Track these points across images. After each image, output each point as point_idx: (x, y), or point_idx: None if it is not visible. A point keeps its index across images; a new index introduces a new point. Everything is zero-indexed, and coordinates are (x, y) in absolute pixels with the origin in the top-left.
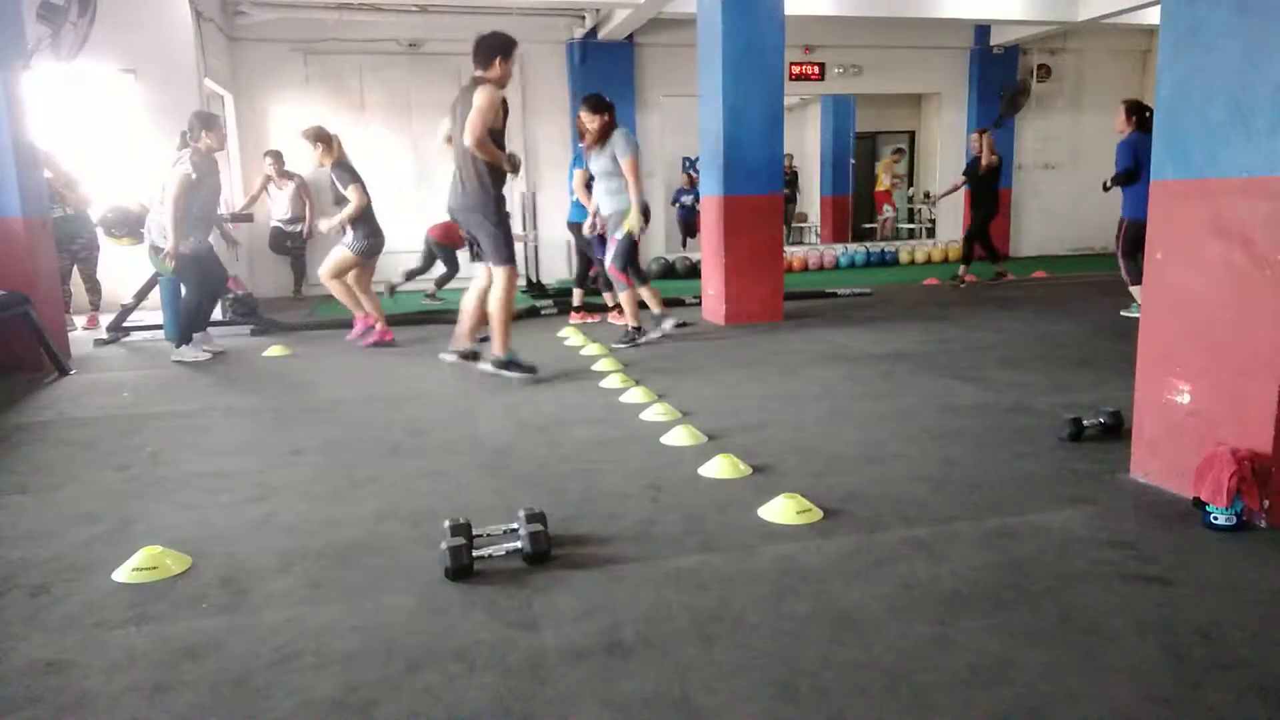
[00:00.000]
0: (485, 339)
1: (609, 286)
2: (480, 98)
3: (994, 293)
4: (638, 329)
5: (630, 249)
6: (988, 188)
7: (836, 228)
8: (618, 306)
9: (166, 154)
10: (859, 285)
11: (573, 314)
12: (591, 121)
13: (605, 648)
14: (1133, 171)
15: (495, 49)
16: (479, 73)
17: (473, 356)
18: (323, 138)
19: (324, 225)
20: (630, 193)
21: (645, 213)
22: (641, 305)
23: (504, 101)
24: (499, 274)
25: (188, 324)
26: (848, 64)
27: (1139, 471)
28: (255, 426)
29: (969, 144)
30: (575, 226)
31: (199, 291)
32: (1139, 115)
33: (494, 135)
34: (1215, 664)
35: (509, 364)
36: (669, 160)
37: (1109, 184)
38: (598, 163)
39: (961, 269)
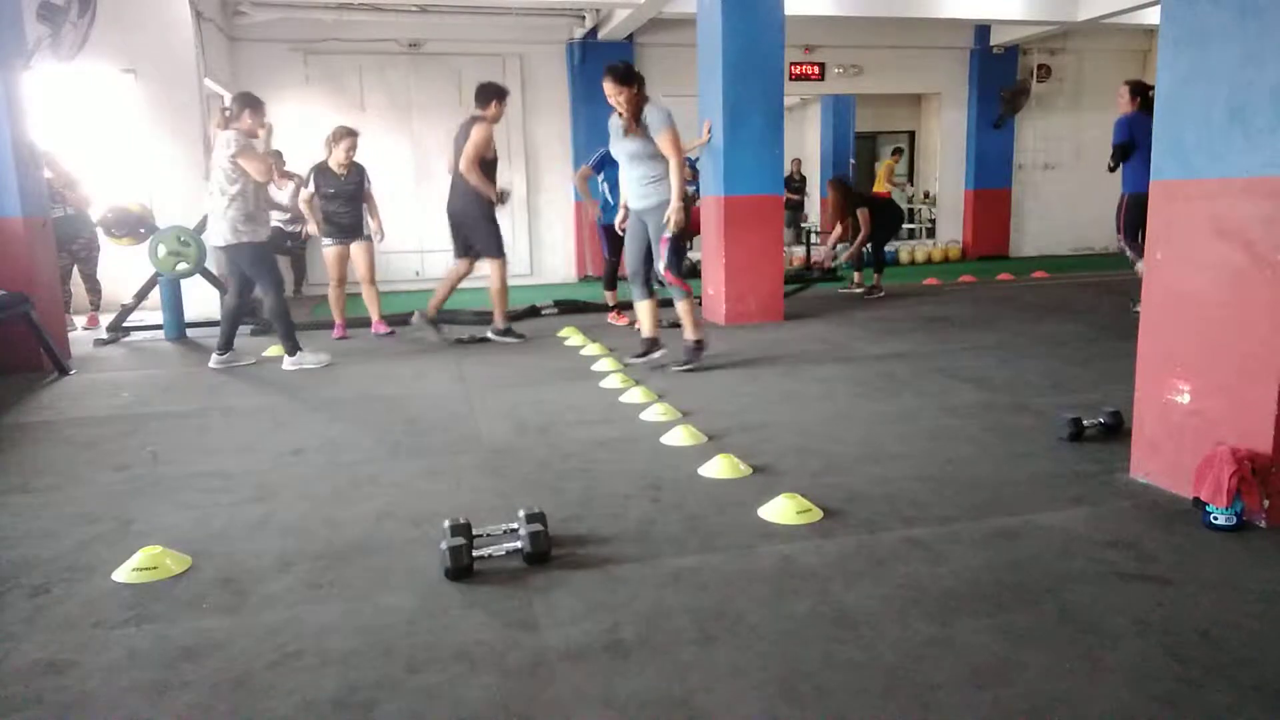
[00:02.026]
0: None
1: (611, 285)
2: (477, 134)
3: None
4: (698, 343)
5: (681, 246)
6: (883, 209)
7: None
8: (617, 308)
9: (171, 152)
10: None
11: (610, 315)
12: (618, 93)
13: (605, 648)
14: (1126, 146)
15: (492, 94)
16: (478, 111)
17: (434, 325)
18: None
19: (378, 237)
20: (672, 176)
21: (689, 201)
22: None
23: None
24: (494, 265)
25: (289, 327)
26: (848, 64)
27: (1139, 471)
28: (255, 426)
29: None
30: (607, 229)
31: (277, 287)
32: (1142, 95)
33: (486, 164)
34: (1215, 664)
35: (506, 332)
36: None
37: (1111, 164)
38: (627, 145)
39: (876, 277)
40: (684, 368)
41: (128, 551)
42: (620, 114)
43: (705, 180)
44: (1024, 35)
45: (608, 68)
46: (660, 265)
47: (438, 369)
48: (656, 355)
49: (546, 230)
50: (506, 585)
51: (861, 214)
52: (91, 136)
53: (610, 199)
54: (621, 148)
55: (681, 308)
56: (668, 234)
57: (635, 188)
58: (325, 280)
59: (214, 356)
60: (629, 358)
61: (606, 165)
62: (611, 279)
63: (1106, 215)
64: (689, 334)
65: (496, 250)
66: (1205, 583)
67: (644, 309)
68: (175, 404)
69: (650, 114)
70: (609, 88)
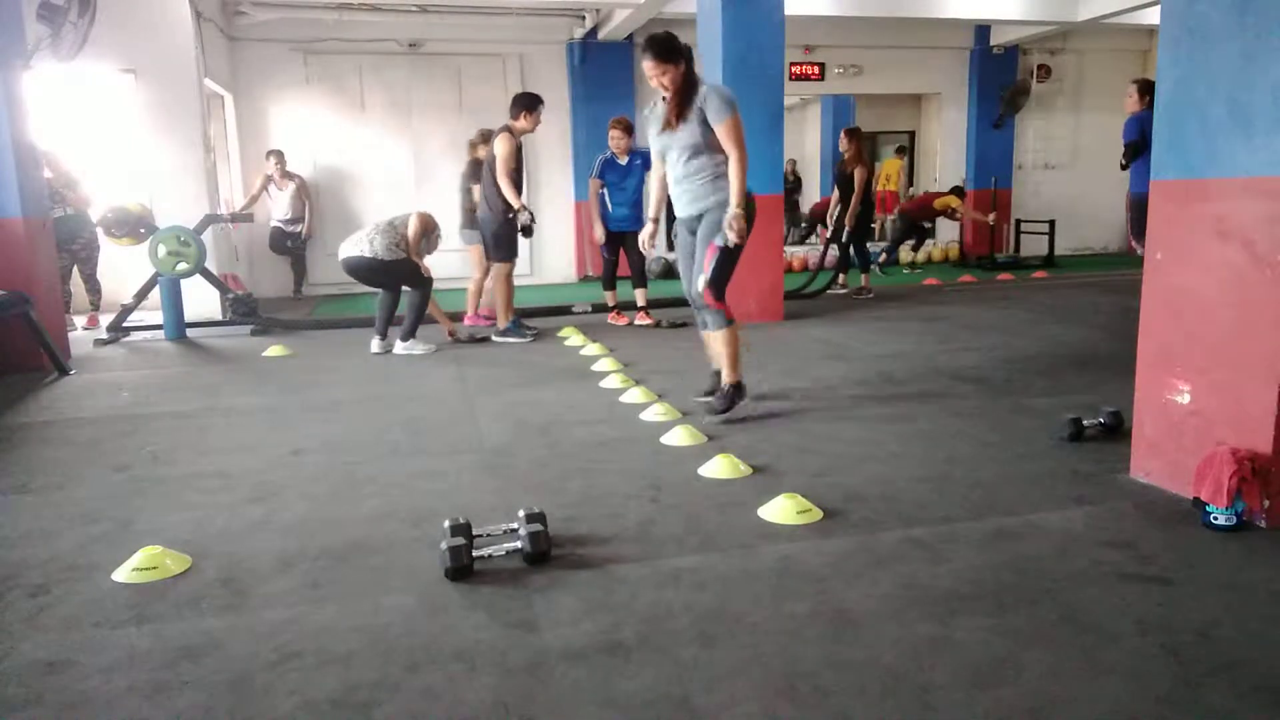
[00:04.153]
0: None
1: (610, 285)
2: (500, 150)
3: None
4: (737, 386)
5: (732, 263)
6: (868, 203)
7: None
8: (617, 308)
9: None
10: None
11: (611, 315)
12: (662, 73)
13: (605, 648)
14: (1138, 144)
15: (522, 104)
16: (509, 121)
17: (520, 327)
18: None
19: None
20: (732, 173)
21: (750, 207)
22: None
23: (519, 147)
24: (498, 268)
25: (419, 317)
26: (848, 64)
27: (1139, 471)
28: (255, 426)
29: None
30: (609, 235)
31: (426, 284)
32: (1150, 93)
33: (514, 172)
34: (1215, 664)
35: (507, 331)
36: None
37: (1124, 162)
38: (679, 137)
39: (864, 277)
40: (720, 416)
41: (128, 551)
42: (663, 98)
43: None
44: (1024, 35)
45: (648, 40)
46: (699, 280)
47: (438, 369)
48: (743, 404)
49: (547, 230)
50: (506, 585)
51: (859, 173)
52: (91, 136)
53: (610, 204)
54: (669, 141)
55: (720, 340)
56: (720, 241)
57: (688, 187)
58: (326, 280)
59: (397, 344)
60: (700, 401)
61: (606, 172)
62: (610, 279)
63: (1106, 215)
64: (727, 375)
65: (501, 254)
66: (1205, 583)
67: (718, 340)
68: (175, 404)
69: (709, 98)
70: (650, 65)
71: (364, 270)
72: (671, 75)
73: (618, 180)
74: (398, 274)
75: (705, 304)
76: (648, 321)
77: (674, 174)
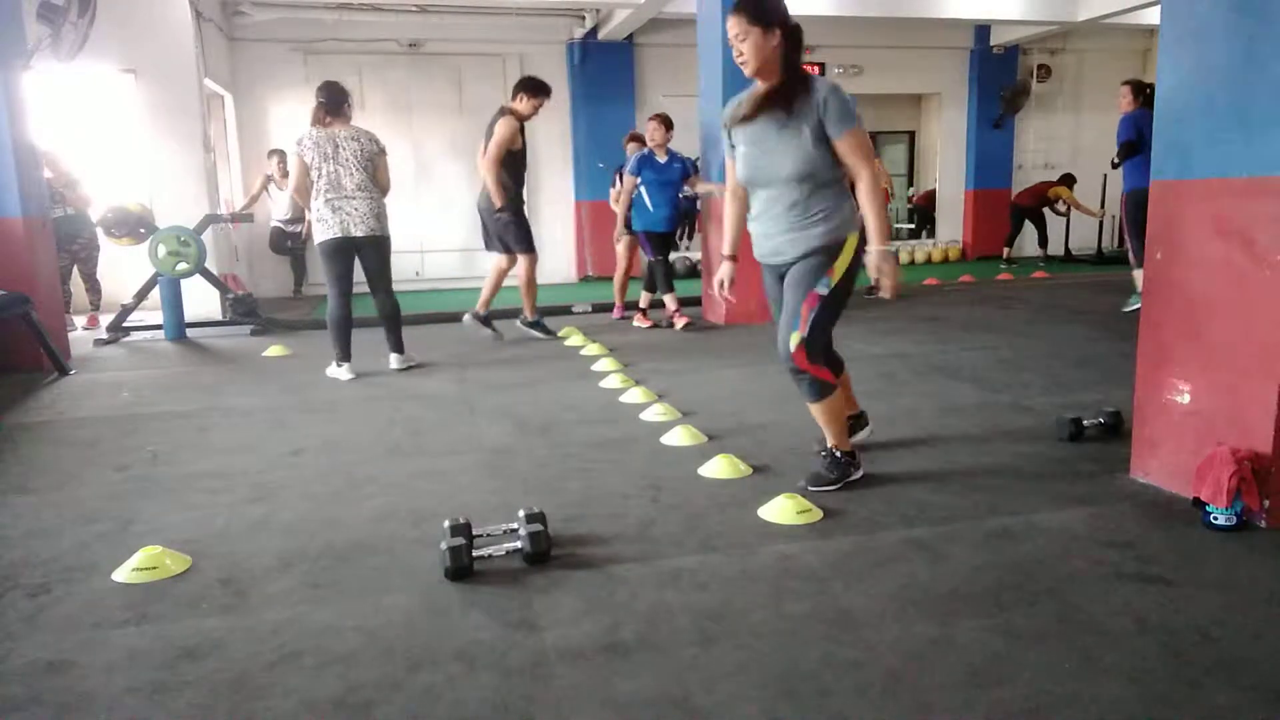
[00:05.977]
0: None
1: (652, 288)
2: (499, 130)
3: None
4: (850, 456)
5: (836, 315)
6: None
7: None
8: (643, 310)
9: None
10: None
11: (639, 316)
12: (743, 36)
13: (605, 648)
14: (1134, 144)
15: (523, 86)
16: (510, 104)
17: (486, 322)
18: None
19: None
20: (868, 203)
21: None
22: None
23: (521, 129)
24: (522, 260)
25: (342, 336)
26: (848, 64)
27: (1139, 471)
28: (255, 426)
29: None
30: (654, 236)
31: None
32: (1144, 93)
33: (513, 156)
34: (1215, 664)
35: (535, 325)
36: None
37: (1116, 161)
38: (771, 148)
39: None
40: (821, 486)
41: (128, 551)
42: (748, 71)
43: (706, 178)
44: (1024, 35)
45: None
46: (793, 337)
47: (438, 369)
48: (856, 476)
49: (547, 230)
50: (506, 585)
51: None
52: (91, 136)
53: (650, 204)
54: (756, 151)
55: (820, 413)
56: (823, 288)
57: (788, 223)
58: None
59: (392, 358)
60: (856, 474)
61: (644, 169)
62: (666, 278)
63: (1105, 215)
64: (834, 442)
65: (525, 246)
66: (1205, 583)
67: (817, 414)
68: (175, 404)
69: (830, 102)
70: (734, 25)
71: (385, 251)
72: (754, 42)
73: (657, 179)
74: (389, 253)
75: (796, 367)
76: (646, 324)
77: (761, 200)
